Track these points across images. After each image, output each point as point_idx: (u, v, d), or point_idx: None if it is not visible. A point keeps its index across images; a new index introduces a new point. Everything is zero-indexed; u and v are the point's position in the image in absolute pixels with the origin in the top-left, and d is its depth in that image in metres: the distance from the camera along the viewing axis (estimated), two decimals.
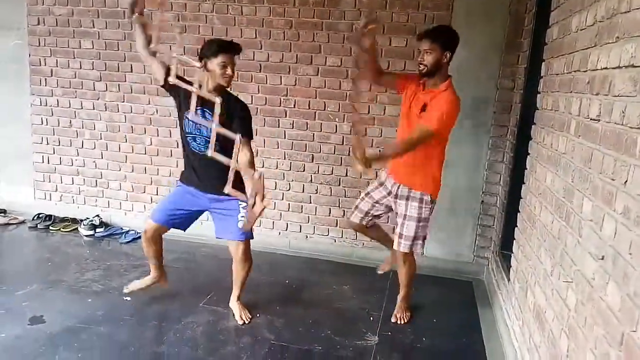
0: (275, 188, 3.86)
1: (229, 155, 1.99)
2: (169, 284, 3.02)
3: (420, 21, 3.37)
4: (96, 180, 4.24)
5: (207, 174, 2.56)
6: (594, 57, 1.68)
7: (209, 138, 2.43)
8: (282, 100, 3.70)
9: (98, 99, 4.08)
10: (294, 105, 3.69)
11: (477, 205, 3.52)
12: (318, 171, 3.75)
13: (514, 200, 3.07)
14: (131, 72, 3.96)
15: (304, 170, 3.78)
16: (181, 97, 2.53)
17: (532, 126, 2.61)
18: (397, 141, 2.70)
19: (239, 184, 2.58)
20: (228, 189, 1.70)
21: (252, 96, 3.72)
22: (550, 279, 1.94)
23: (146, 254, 2.87)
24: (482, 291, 3.37)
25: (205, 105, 2.46)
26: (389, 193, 2.74)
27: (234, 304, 2.85)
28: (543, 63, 2.52)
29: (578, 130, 1.78)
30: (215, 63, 2.39)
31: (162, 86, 2.54)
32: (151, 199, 4.13)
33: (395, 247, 2.75)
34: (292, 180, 3.82)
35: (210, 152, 1.63)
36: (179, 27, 3.77)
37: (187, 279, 3.17)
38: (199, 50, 2.46)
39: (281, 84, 3.68)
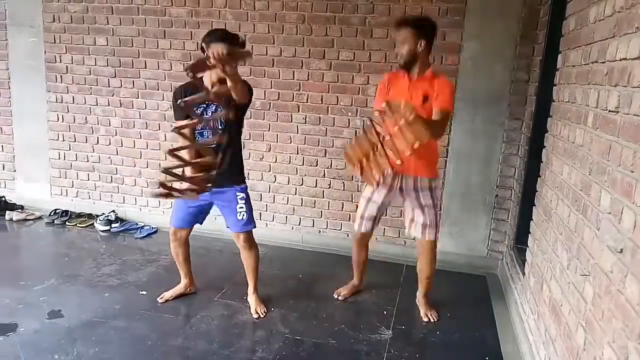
0: (289, 183, 3.87)
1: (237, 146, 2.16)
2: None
3: (434, 14, 3.33)
4: (111, 176, 4.28)
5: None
6: (612, 48, 1.65)
7: (216, 130, 2.52)
8: (294, 95, 3.70)
9: (113, 96, 4.12)
10: (307, 100, 3.69)
11: (491, 199, 3.50)
12: (331, 166, 3.75)
13: (529, 194, 3.05)
14: (145, 68, 3.99)
15: (316, 165, 3.78)
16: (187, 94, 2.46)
17: (548, 119, 2.59)
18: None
19: (238, 173, 2.67)
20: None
21: (264, 91, 3.73)
22: (566, 272, 1.92)
23: (176, 260, 2.92)
24: (496, 285, 3.35)
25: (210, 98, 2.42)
26: (391, 188, 2.68)
27: (250, 297, 2.87)
28: (559, 55, 2.49)
29: (596, 122, 1.76)
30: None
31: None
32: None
33: (420, 237, 2.73)
34: (305, 175, 3.82)
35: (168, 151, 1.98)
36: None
37: (202, 273, 3.19)
38: (201, 44, 2.43)
39: (294, 78, 3.68)
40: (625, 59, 1.52)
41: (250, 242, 2.75)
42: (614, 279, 1.43)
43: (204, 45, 2.37)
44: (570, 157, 2.05)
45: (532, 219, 2.73)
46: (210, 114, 2.52)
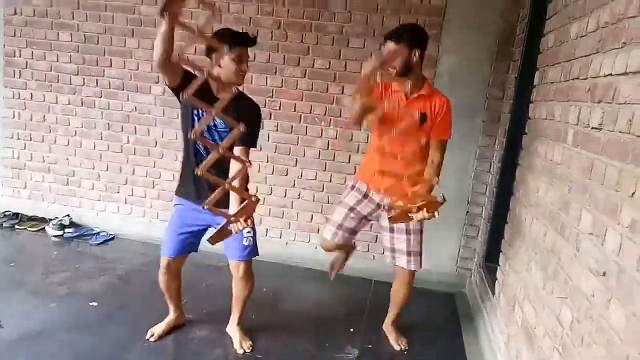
0: (257, 192, 3.73)
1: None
2: (138, 288, 2.85)
3: None
4: (68, 179, 4.05)
5: (209, 187, 2.13)
6: (596, 63, 1.61)
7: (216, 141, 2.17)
8: (267, 101, 3.59)
9: (74, 94, 3.91)
10: (279, 108, 3.58)
11: (462, 215, 3.45)
12: (301, 176, 3.64)
13: (500, 211, 3.02)
14: (110, 67, 3.80)
15: (286, 175, 3.66)
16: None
17: (523, 136, 2.55)
18: (430, 171, 2.34)
19: (245, 189, 2.34)
20: (209, 205, 1.54)
21: None
22: (541, 293, 1.85)
23: (166, 294, 2.52)
24: (464, 304, 3.28)
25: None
26: (379, 206, 2.48)
27: (233, 329, 2.56)
28: (537, 72, 2.46)
29: (576, 139, 1.71)
30: (228, 58, 2.09)
31: (172, 88, 2.13)
32: (125, 200, 3.96)
33: (404, 266, 2.50)
34: (274, 185, 3.70)
35: (200, 172, 1.48)
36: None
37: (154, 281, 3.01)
38: (206, 45, 2.19)
39: (267, 84, 3.57)
40: (610, 74, 1.48)
41: (251, 272, 2.43)
42: (596, 303, 1.36)
43: (223, 46, 2.00)
44: (547, 175, 2.00)
45: (503, 237, 2.68)
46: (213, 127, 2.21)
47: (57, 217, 3.95)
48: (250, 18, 3.50)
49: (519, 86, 2.93)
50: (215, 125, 2.23)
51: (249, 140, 2.23)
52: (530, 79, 2.83)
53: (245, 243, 2.34)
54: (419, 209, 2.11)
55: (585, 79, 1.71)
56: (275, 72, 3.55)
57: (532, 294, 1.97)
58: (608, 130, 1.44)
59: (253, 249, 2.38)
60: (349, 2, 3.37)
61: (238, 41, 2.12)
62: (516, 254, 2.32)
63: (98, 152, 3.95)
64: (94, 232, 3.93)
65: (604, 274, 1.33)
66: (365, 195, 2.51)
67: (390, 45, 2.25)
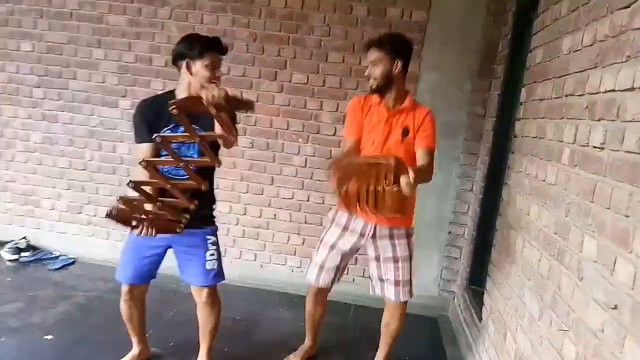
0: (230, 212, 3.54)
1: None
2: (99, 318, 2.59)
3: None
4: (26, 198, 3.77)
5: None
6: (594, 79, 1.52)
7: (191, 157, 1.97)
8: (241, 117, 3.42)
9: (35, 107, 3.66)
10: (255, 123, 3.42)
11: (444, 235, 3.34)
12: (277, 195, 3.47)
13: (484, 232, 2.92)
14: (74, 79, 3.59)
15: (262, 194, 3.49)
16: (153, 118, 2.01)
17: (510, 154, 2.46)
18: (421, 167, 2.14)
19: (209, 210, 2.19)
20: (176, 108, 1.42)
21: None
22: (537, 324, 1.73)
23: (128, 324, 2.29)
24: (448, 329, 3.15)
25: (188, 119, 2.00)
26: (362, 235, 2.28)
27: None
28: (523, 89, 2.38)
29: (574, 158, 1.61)
30: (200, 65, 1.95)
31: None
32: (88, 221, 3.70)
33: (394, 298, 2.32)
34: (249, 204, 3.52)
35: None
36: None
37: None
38: (174, 51, 2.01)
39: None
40: (612, 90, 1.38)
41: (216, 297, 2.22)
42: (606, 339, 1.24)
43: (186, 52, 1.94)
44: (539, 196, 1.90)
45: (490, 260, 2.57)
46: (185, 150, 2.02)
47: (12, 240, 3.67)
48: (225, 30, 3.35)
49: (502, 103, 2.86)
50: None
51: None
52: (514, 96, 2.77)
53: (209, 267, 2.14)
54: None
55: (581, 95, 1.62)
56: (251, 87, 3.40)
57: (526, 323, 1.84)
58: (612, 149, 1.34)
59: (218, 273, 2.18)
60: (328, 15, 3.27)
61: (210, 47, 1.97)
62: (506, 279, 2.20)
63: (59, 170, 3.70)
64: (53, 255, 3.66)
65: (616, 307, 1.21)
66: (345, 228, 2.31)
67: (370, 54, 2.16)
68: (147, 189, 1.72)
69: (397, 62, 2.16)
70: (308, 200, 3.45)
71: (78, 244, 3.72)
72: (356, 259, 3.34)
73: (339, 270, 2.39)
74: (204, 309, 2.23)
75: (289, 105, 3.38)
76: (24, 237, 3.68)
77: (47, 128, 3.67)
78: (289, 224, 3.49)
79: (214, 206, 2.27)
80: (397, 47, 2.17)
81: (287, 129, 3.40)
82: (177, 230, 1.84)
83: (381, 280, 2.33)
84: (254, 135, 3.44)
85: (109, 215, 1.64)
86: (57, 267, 3.51)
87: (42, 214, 3.78)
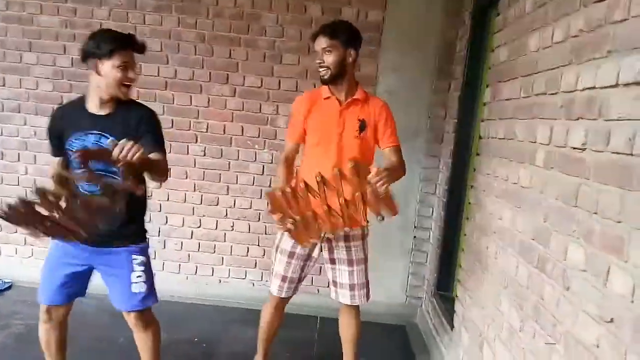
0: (183, 224, 3.32)
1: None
2: (40, 350, 2.30)
3: None
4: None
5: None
6: (569, 76, 1.44)
7: (105, 173, 1.76)
8: (192, 123, 3.22)
9: None
10: (207, 129, 3.22)
11: (409, 240, 3.26)
12: (234, 205, 3.28)
13: (450, 236, 2.86)
14: (4, 86, 3.26)
15: (217, 204, 3.29)
16: (63, 127, 1.87)
17: (476, 157, 2.39)
18: (390, 166, 2.02)
19: (137, 226, 2.00)
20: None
21: None
22: (519, 335, 1.65)
23: (46, 350, 2.05)
24: (417, 336, 3.06)
25: (96, 125, 1.82)
26: (320, 239, 2.11)
27: None
28: (487, 89, 2.32)
29: (550, 160, 1.53)
30: (110, 65, 1.76)
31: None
32: (25, 240, 3.37)
33: (349, 301, 2.21)
34: (204, 216, 3.30)
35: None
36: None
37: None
38: (82, 50, 1.80)
39: (191, 104, 3.20)
40: (592, 87, 1.31)
41: (147, 320, 2.00)
42: (603, 355, 1.15)
43: (93, 51, 1.76)
44: (512, 200, 1.82)
45: (458, 265, 2.49)
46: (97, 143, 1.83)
47: None
48: (170, 31, 3.14)
49: (463, 104, 2.80)
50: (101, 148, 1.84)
51: (158, 143, 1.88)
52: (474, 97, 2.73)
53: (135, 290, 1.92)
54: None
55: (555, 93, 1.54)
56: (201, 91, 3.20)
57: (505, 334, 1.76)
58: (595, 150, 1.26)
59: (146, 296, 1.96)
60: (280, 15, 3.12)
61: (122, 44, 1.77)
62: (478, 286, 2.12)
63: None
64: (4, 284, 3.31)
65: (612, 320, 1.12)
66: None
67: (323, 41, 2.03)
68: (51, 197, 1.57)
69: (351, 52, 2.06)
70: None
71: (14, 267, 3.38)
72: (320, 269, 3.20)
73: (301, 279, 2.27)
74: (137, 333, 2.04)
75: (242, 109, 3.20)
76: None
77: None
78: (248, 235, 3.31)
79: (143, 219, 2.06)
80: (350, 36, 2.07)
81: (241, 134, 3.22)
82: (73, 238, 1.66)
83: (335, 284, 2.23)
84: (207, 142, 3.23)
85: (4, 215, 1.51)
86: None
87: None
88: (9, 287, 3.30)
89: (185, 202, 3.30)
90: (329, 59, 2.04)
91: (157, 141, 1.88)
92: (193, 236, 3.33)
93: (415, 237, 3.24)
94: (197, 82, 3.18)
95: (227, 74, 3.17)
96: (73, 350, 2.14)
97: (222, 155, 3.24)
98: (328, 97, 2.12)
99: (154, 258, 3.32)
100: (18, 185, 3.31)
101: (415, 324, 3.21)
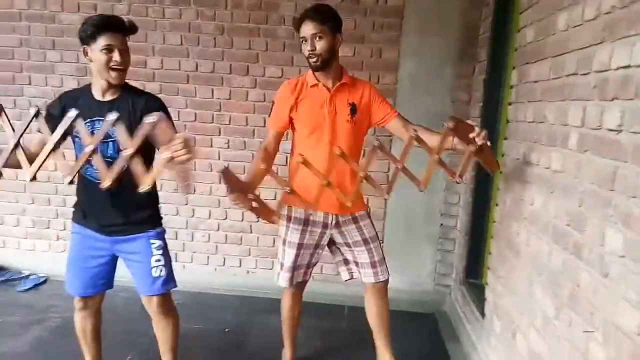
0: (210, 217, 3.35)
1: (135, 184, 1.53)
2: (76, 342, 2.36)
3: (369, 28, 3.06)
4: None
5: (104, 208, 1.88)
6: (602, 55, 1.39)
7: (112, 159, 1.72)
8: (214, 116, 3.23)
9: None
10: (229, 122, 3.23)
11: (435, 228, 3.22)
12: (259, 196, 3.28)
13: (479, 223, 2.81)
14: (29, 84, 3.33)
15: None
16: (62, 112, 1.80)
17: (504, 141, 2.33)
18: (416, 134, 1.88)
19: (151, 212, 2.01)
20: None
21: (178, 111, 3.22)
22: (554, 323, 1.61)
23: (82, 340, 2.09)
24: (447, 324, 3.03)
25: (101, 112, 1.79)
26: (325, 226, 2.14)
27: None
28: (514, 71, 2.25)
29: (583, 143, 1.48)
30: (96, 49, 1.74)
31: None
32: (57, 236, 3.46)
33: (373, 279, 2.18)
34: (229, 208, 3.32)
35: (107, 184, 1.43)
36: None
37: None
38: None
39: (213, 97, 3.21)
40: (627, 66, 1.25)
41: (169, 306, 2.03)
42: None
43: (81, 37, 1.75)
44: (544, 185, 1.77)
45: (488, 252, 2.45)
46: (105, 149, 1.82)
47: None
48: (189, 23, 3.14)
49: (488, 88, 2.73)
50: (107, 136, 1.77)
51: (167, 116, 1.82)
52: (499, 80, 2.66)
53: (155, 274, 1.95)
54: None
55: (587, 73, 1.49)
56: (222, 83, 3.20)
57: (539, 322, 1.72)
58: (632, 131, 1.21)
59: (167, 280, 1.98)
60: (299, 3, 3.08)
61: (104, 26, 1.74)
62: (510, 273, 2.08)
63: (21, 183, 3.43)
64: (22, 275, 3.41)
65: None
66: (306, 223, 2.14)
67: (312, 26, 1.96)
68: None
69: (338, 36, 2.03)
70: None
71: (48, 262, 3.47)
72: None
73: (311, 267, 2.25)
74: (158, 320, 2.05)
75: (264, 100, 3.19)
76: None
77: (4, 140, 3.38)
78: (273, 227, 3.30)
79: (157, 205, 2.07)
80: (337, 20, 2.03)
81: (263, 126, 3.21)
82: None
83: (357, 264, 2.22)
84: (230, 135, 3.25)
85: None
86: (27, 287, 3.26)
87: (6, 232, 3.51)
88: (44, 282, 3.39)
89: (210, 194, 3.32)
90: (321, 44, 1.98)
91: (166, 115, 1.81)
92: (220, 228, 3.36)
93: (442, 224, 3.20)
94: (218, 75, 3.18)
95: (248, 65, 3.16)
96: (104, 343, 2.19)
97: (245, 147, 3.25)
98: (315, 85, 2.08)
99: (183, 250, 3.40)
100: (48, 181, 3.38)
101: (444, 312, 3.18)
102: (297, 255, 2.17)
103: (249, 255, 3.37)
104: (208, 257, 3.40)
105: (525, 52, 2.11)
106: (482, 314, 2.44)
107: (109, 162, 1.63)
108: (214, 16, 3.13)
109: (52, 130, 1.53)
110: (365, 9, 3.06)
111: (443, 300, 3.26)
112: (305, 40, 1.99)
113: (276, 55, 3.14)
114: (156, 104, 1.89)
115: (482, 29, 2.95)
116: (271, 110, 2.17)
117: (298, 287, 2.30)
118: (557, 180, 1.66)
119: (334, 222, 2.13)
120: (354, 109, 2.08)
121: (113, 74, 1.79)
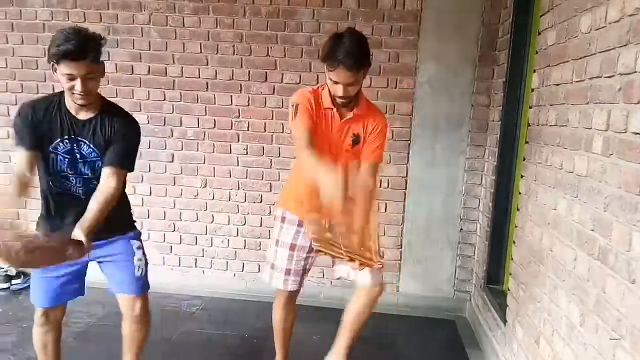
0: (229, 223, 3.37)
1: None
2: (99, 346, 2.37)
3: (386, 33, 3.06)
4: (11, 221, 3.56)
5: (79, 216, 1.73)
6: (627, 57, 1.36)
7: (87, 175, 1.80)
8: (233, 122, 3.25)
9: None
10: (248, 128, 3.25)
11: (455, 233, 3.19)
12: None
13: (500, 228, 2.78)
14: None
15: (261, 201, 3.32)
16: (43, 128, 1.78)
17: (525, 145, 2.30)
18: (360, 215, 1.83)
19: (127, 215, 2.03)
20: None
21: (198, 119, 3.26)
22: (579, 330, 1.58)
23: (41, 354, 2.05)
24: (468, 331, 3.00)
25: (76, 130, 1.78)
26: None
27: None
28: (534, 74, 2.23)
29: (608, 147, 1.45)
30: (59, 73, 1.65)
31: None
32: None
33: (370, 281, 1.98)
34: (248, 213, 3.35)
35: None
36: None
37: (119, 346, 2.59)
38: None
39: (232, 104, 3.24)
40: None
41: (146, 310, 2.00)
42: None
43: (48, 52, 1.66)
44: (568, 189, 1.74)
45: (509, 258, 2.42)
46: (73, 149, 1.81)
47: (1, 268, 3.46)
48: (209, 32, 3.18)
49: (508, 91, 2.71)
50: (82, 156, 1.82)
51: (121, 160, 1.82)
52: (520, 83, 2.63)
53: (138, 273, 1.95)
54: (351, 258, 1.77)
55: (611, 76, 1.46)
56: (240, 90, 3.23)
57: (564, 329, 1.69)
58: None
59: (145, 282, 2.00)
60: (316, 10, 3.10)
61: (64, 55, 1.61)
62: (533, 280, 2.05)
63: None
64: None
65: None
66: (300, 224, 2.10)
67: (349, 75, 1.82)
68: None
69: (366, 71, 1.90)
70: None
71: None
72: None
73: (306, 271, 2.19)
74: (135, 322, 2.00)
75: (282, 106, 3.21)
76: None
77: None
78: None
79: (129, 211, 2.07)
80: (369, 57, 1.88)
81: (282, 132, 3.23)
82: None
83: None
84: (248, 141, 3.27)
85: None
86: None
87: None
88: None
89: (229, 200, 3.35)
90: (353, 89, 1.89)
91: (121, 155, 1.82)
92: (239, 233, 3.38)
93: (461, 229, 3.17)
94: (237, 82, 3.21)
95: (266, 72, 3.19)
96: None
97: (263, 153, 3.27)
98: (330, 109, 1.98)
99: (202, 256, 3.42)
100: None
101: (464, 318, 3.15)
102: (290, 256, 2.12)
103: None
104: (227, 262, 3.42)
105: (546, 55, 2.08)
106: (504, 320, 2.40)
107: (86, 179, 1.80)
108: (232, 24, 3.16)
109: (33, 140, 1.71)
110: (382, 14, 3.06)
111: (463, 306, 3.22)
112: (336, 83, 1.86)
113: (294, 61, 3.15)
114: (123, 127, 1.83)
115: (500, 31, 2.93)
116: (295, 113, 2.00)
117: (292, 294, 2.24)
118: (581, 185, 1.63)
119: (326, 225, 1.97)
120: (356, 140, 2.01)
121: (77, 100, 1.72)
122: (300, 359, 2.55)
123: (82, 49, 1.62)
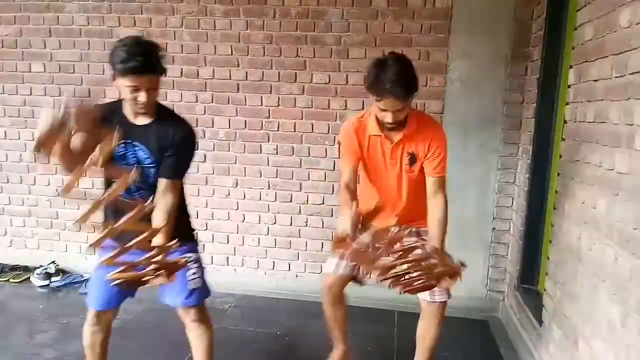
0: (260, 222, 3.42)
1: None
2: (138, 341, 2.44)
3: (416, 31, 3.04)
4: (51, 221, 3.70)
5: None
6: None
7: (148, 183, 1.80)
8: (263, 122, 3.29)
9: None
10: (278, 128, 3.28)
11: (488, 233, 3.15)
12: (307, 201, 3.33)
13: (534, 227, 2.73)
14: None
15: (291, 201, 3.35)
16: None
17: (561, 142, 2.26)
18: (434, 226, 2.06)
19: (184, 227, 1.99)
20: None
21: (229, 119, 3.31)
22: (620, 331, 1.55)
23: (90, 354, 2.08)
24: (501, 331, 2.96)
25: (133, 135, 1.80)
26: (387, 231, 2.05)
27: None
28: (571, 70, 2.18)
29: None
30: (123, 84, 1.68)
31: None
32: None
33: (429, 299, 2.07)
34: (278, 213, 3.38)
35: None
36: None
37: (158, 342, 2.64)
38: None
39: (262, 104, 3.27)
40: None
41: (205, 315, 2.02)
42: None
43: (110, 62, 1.70)
44: (608, 187, 1.71)
45: (546, 258, 2.38)
46: (130, 153, 1.82)
47: (41, 265, 3.59)
48: (239, 34, 3.22)
49: (542, 88, 2.66)
50: (139, 161, 1.83)
51: (175, 171, 1.85)
52: (555, 79, 2.59)
53: (192, 286, 1.93)
54: (438, 278, 1.76)
55: None
56: (271, 91, 3.26)
57: (604, 330, 1.66)
58: None
59: (203, 290, 1.99)
60: (345, 10, 3.10)
61: (131, 70, 1.64)
62: (570, 280, 2.01)
63: (82, 190, 3.60)
64: (84, 278, 3.56)
65: None
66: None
67: (396, 104, 1.84)
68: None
69: (414, 96, 1.91)
70: (339, 205, 3.30)
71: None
72: None
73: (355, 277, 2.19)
74: (194, 330, 2.01)
75: (311, 106, 3.23)
76: (53, 262, 3.61)
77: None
78: (322, 231, 3.35)
79: (189, 220, 2.09)
80: (417, 82, 1.89)
81: (311, 131, 3.25)
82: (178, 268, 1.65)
83: None
84: (278, 141, 3.30)
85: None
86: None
87: (68, 236, 3.70)
88: None
89: (260, 200, 3.39)
90: (402, 114, 1.92)
91: (176, 168, 1.85)
92: (269, 232, 3.41)
93: (494, 228, 3.13)
94: (267, 83, 3.24)
95: (295, 73, 3.21)
96: (155, 356, 2.21)
97: (293, 153, 3.29)
98: (378, 135, 2.01)
99: (234, 254, 3.48)
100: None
101: (497, 319, 3.11)
102: (337, 263, 2.15)
103: (298, 259, 3.41)
104: (258, 261, 3.46)
105: (583, 51, 2.04)
106: (539, 321, 2.37)
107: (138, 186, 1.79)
108: (262, 26, 3.19)
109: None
110: (412, 12, 3.05)
111: (496, 306, 3.18)
112: (385, 110, 1.89)
113: (323, 61, 3.17)
114: (181, 139, 1.85)
115: (534, 27, 2.88)
116: (339, 152, 2.12)
117: (342, 279, 2.19)
118: (622, 183, 1.60)
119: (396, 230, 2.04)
120: (413, 159, 2.02)
121: (140, 110, 1.77)
122: None
123: (149, 64, 1.67)
